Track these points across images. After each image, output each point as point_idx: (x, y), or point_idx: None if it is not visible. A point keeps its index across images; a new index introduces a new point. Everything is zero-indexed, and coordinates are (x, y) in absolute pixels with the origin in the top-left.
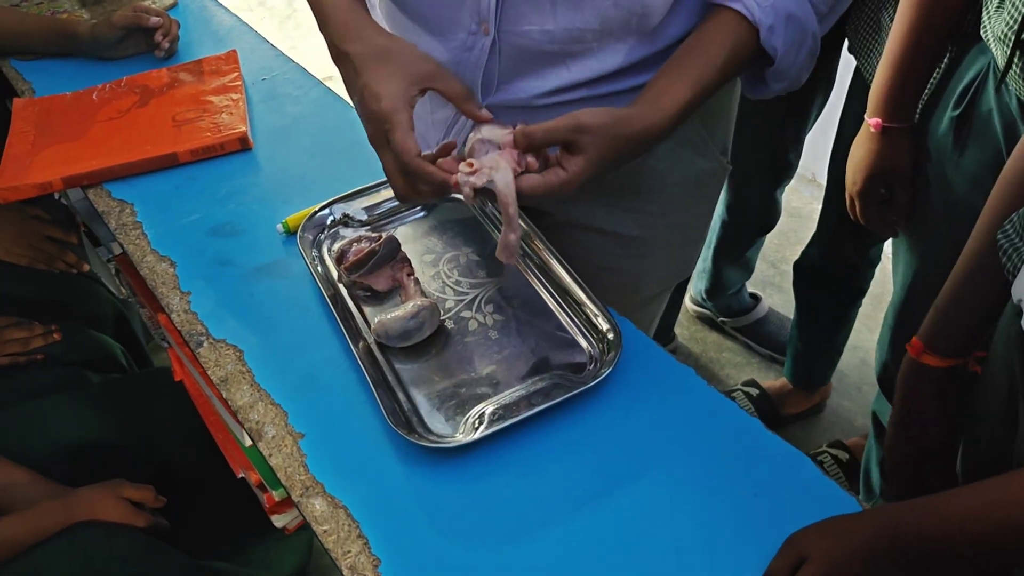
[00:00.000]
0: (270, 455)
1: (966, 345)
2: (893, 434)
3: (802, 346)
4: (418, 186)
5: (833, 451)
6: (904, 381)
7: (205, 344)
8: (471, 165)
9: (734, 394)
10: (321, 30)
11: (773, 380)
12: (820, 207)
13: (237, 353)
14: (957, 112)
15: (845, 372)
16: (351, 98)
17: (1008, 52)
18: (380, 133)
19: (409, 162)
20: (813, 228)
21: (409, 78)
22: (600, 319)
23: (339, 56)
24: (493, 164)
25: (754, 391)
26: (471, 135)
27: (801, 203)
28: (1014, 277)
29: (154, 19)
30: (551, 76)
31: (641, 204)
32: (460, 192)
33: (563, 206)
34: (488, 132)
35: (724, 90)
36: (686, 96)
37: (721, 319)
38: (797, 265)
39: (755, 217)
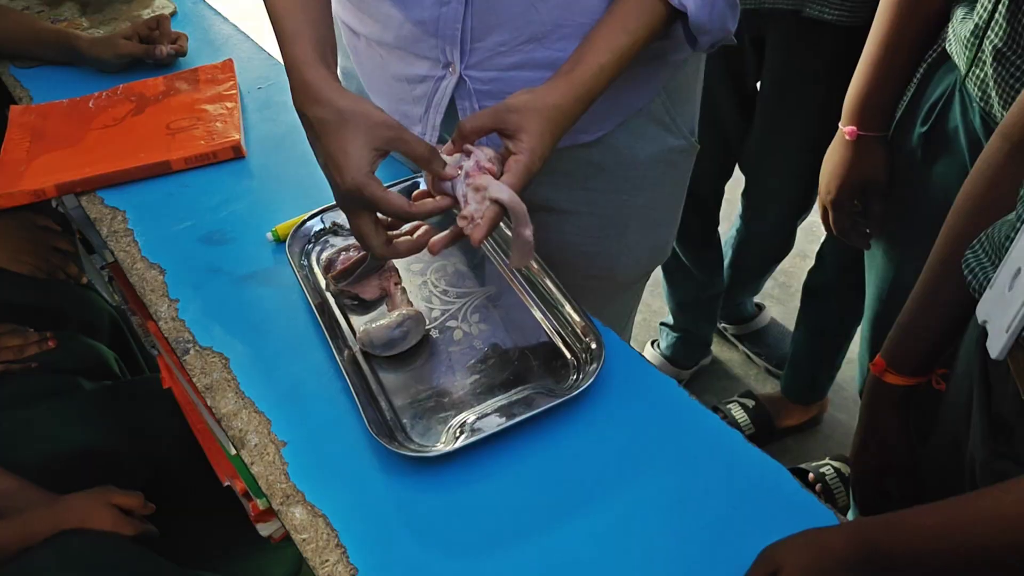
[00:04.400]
0: (252, 463)
1: (927, 363)
2: (856, 449)
3: (803, 362)
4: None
5: (836, 463)
6: (867, 398)
7: (191, 351)
8: (466, 217)
9: (730, 405)
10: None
11: (769, 392)
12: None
13: (223, 361)
14: (925, 128)
15: (842, 385)
16: (315, 156)
17: (970, 57)
18: (351, 200)
19: (405, 212)
20: (814, 242)
21: (370, 143)
22: (584, 329)
23: (299, 115)
24: (483, 184)
25: (750, 403)
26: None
27: None
28: (978, 295)
29: (163, 50)
30: (522, 24)
31: (615, 182)
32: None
33: (541, 190)
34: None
35: (688, 72)
36: (599, 61)
37: (723, 324)
38: (807, 287)
39: (774, 245)
